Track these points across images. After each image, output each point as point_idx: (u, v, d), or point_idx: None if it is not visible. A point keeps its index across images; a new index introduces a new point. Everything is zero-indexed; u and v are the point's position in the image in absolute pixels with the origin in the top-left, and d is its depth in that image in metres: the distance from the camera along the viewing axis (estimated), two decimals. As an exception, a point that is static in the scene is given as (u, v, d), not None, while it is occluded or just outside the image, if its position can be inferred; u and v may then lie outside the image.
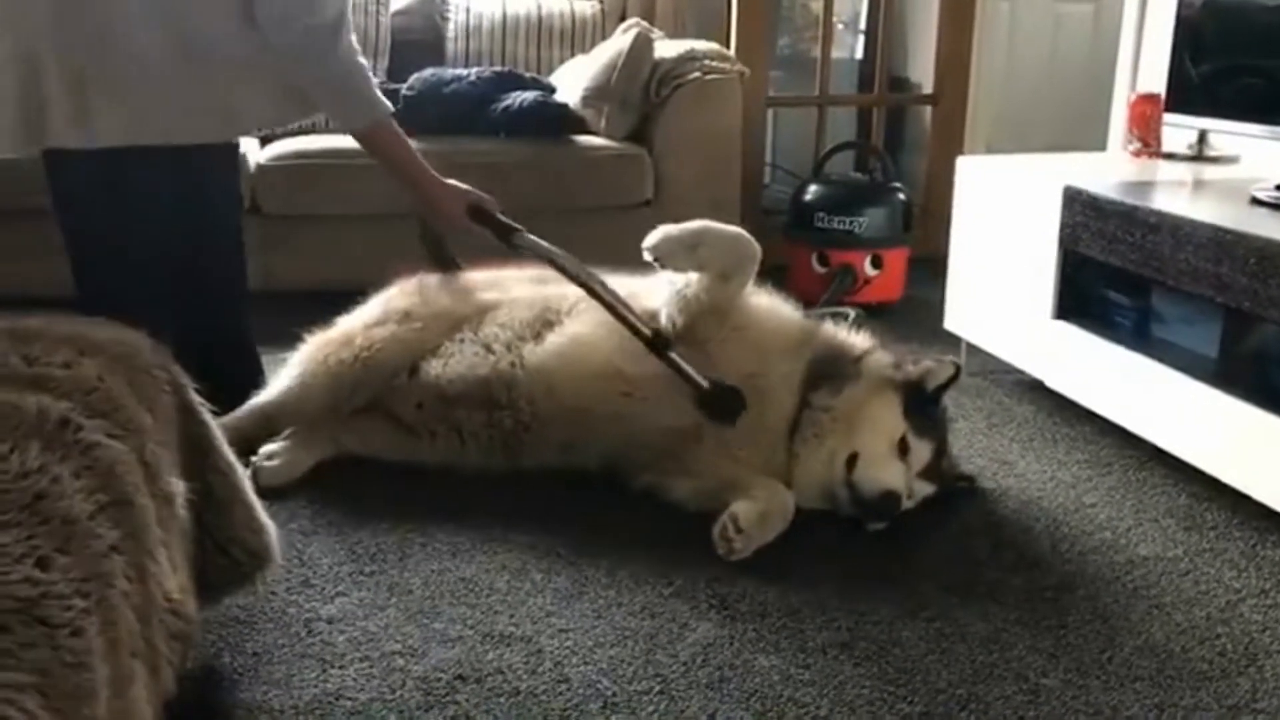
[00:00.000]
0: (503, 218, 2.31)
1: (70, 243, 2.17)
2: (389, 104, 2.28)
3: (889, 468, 2.02)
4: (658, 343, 2.07)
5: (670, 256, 2.11)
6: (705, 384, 2.05)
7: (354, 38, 2.20)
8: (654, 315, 2.13)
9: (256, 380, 2.34)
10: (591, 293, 2.13)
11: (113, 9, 2.02)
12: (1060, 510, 2.13)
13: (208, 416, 1.52)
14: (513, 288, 2.34)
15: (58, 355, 1.30)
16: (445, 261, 2.41)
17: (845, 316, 2.52)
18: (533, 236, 2.26)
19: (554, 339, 2.18)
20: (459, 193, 2.32)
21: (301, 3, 2.08)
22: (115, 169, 2.09)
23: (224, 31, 2.08)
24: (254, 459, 2.09)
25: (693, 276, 2.11)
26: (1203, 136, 2.82)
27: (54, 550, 1.05)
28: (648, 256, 2.11)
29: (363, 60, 2.22)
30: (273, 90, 2.21)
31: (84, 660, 1.01)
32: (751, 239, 2.16)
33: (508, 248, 2.28)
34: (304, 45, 2.12)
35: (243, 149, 3.23)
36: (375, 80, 2.27)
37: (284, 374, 2.27)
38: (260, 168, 3.25)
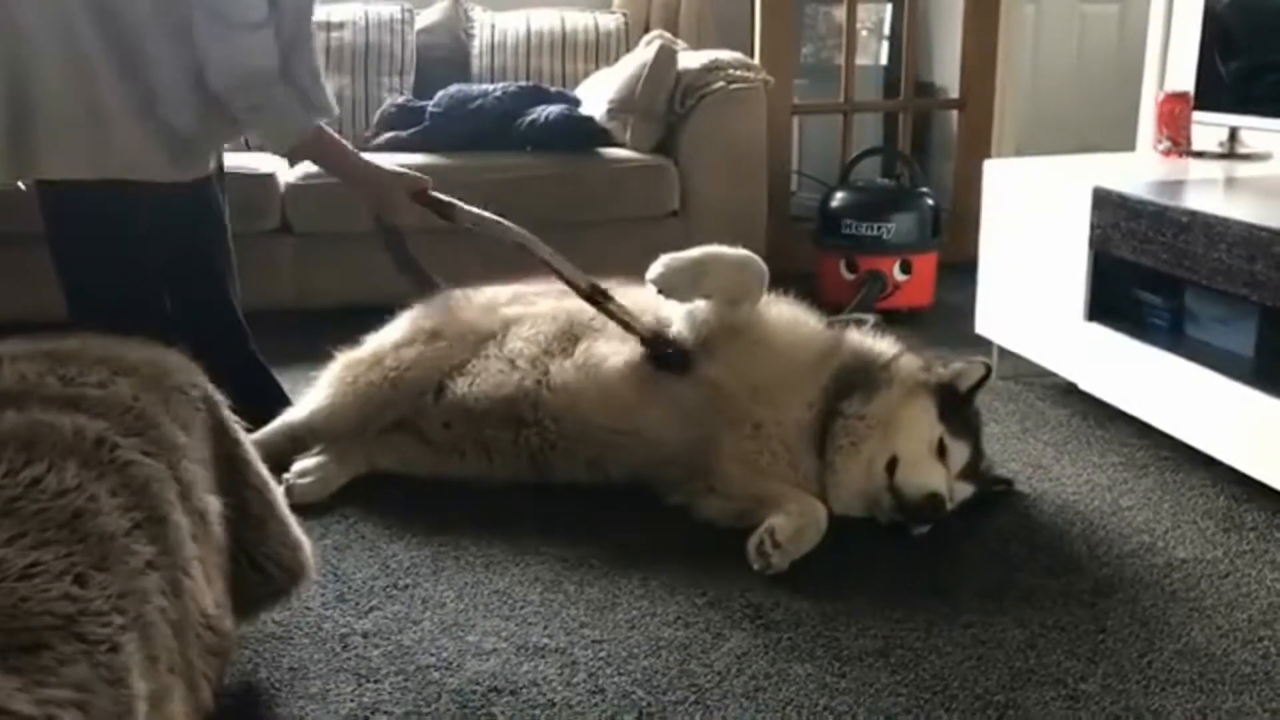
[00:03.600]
0: (440, 195, 2.35)
1: (63, 269, 2.18)
2: (332, 107, 2.28)
3: (930, 470, 2.01)
4: (595, 295, 2.16)
5: (675, 290, 2.10)
6: (646, 333, 2.13)
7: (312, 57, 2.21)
8: (668, 325, 2.14)
9: (271, 394, 2.35)
10: (533, 253, 2.22)
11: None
12: (1096, 514, 2.11)
13: (241, 434, 1.53)
14: (537, 301, 2.34)
15: (93, 375, 1.32)
16: (411, 266, 2.47)
17: (863, 323, 2.50)
18: (469, 207, 2.33)
19: (577, 355, 2.19)
20: (400, 178, 2.33)
21: (241, 49, 2.07)
22: (101, 194, 2.10)
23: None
24: (287, 476, 2.11)
25: (701, 301, 2.11)
26: (1233, 134, 2.80)
27: (91, 567, 1.07)
28: (652, 289, 2.10)
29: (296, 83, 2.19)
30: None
31: (122, 676, 1.02)
32: (756, 261, 2.13)
33: (449, 222, 2.34)
34: (245, 87, 2.12)
35: (272, 169, 3.28)
36: (305, 96, 2.21)
37: (313, 393, 2.29)
38: (290, 187, 3.28)
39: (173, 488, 1.26)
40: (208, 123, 2.17)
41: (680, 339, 2.12)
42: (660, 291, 2.10)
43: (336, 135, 2.32)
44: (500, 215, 2.32)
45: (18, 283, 2.94)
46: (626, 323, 2.14)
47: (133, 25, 2.05)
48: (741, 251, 2.14)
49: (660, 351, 2.12)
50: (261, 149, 3.24)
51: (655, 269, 2.09)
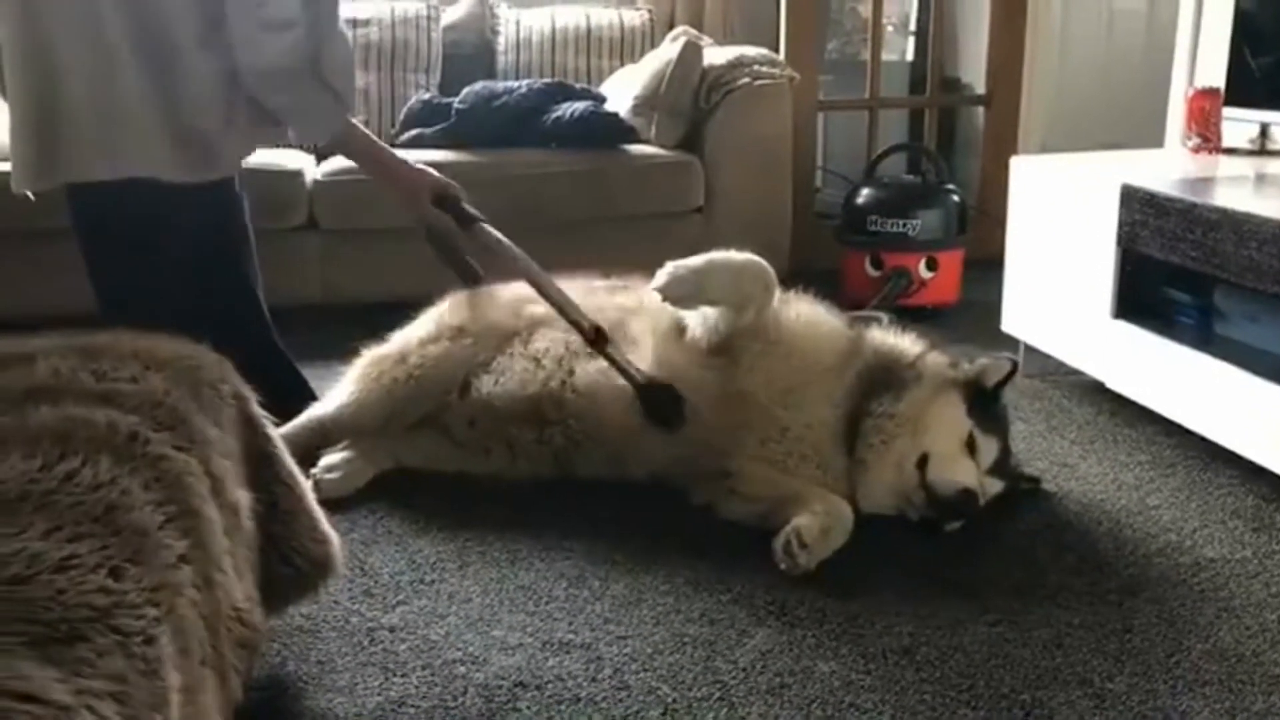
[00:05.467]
0: (467, 207, 2.32)
1: (93, 272, 2.19)
2: (349, 104, 2.24)
3: (961, 466, 2.01)
4: (597, 339, 2.13)
5: (679, 300, 2.09)
6: (641, 380, 2.11)
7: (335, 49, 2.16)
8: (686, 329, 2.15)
9: (296, 388, 2.36)
10: (539, 289, 2.20)
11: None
12: (1123, 512, 2.10)
13: (271, 429, 1.54)
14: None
15: (125, 370, 1.33)
16: (458, 260, 2.39)
17: (878, 320, 2.48)
18: (490, 229, 2.29)
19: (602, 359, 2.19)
20: (425, 178, 2.33)
21: (275, 49, 2.06)
22: (126, 196, 2.11)
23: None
24: (315, 471, 2.13)
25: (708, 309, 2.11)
26: (1264, 130, 2.77)
27: (126, 560, 1.07)
28: (657, 299, 2.10)
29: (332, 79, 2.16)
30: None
31: (156, 668, 1.03)
32: (760, 266, 2.11)
33: (464, 234, 2.31)
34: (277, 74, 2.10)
35: (299, 166, 3.30)
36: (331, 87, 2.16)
37: (340, 389, 2.30)
38: (317, 183, 3.29)
39: (204, 482, 1.27)
40: (234, 125, 2.16)
41: (676, 386, 2.10)
42: (665, 300, 2.09)
43: (365, 129, 2.34)
44: (527, 212, 2.32)
45: (50, 279, 2.97)
46: (624, 370, 2.11)
47: (163, 25, 2.05)
48: (745, 257, 2.12)
49: (655, 399, 2.10)
50: (296, 144, 3.25)
51: (659, 277, 2.09)
